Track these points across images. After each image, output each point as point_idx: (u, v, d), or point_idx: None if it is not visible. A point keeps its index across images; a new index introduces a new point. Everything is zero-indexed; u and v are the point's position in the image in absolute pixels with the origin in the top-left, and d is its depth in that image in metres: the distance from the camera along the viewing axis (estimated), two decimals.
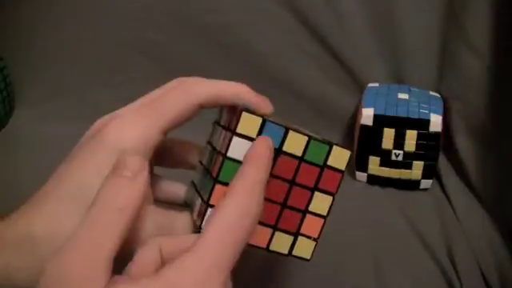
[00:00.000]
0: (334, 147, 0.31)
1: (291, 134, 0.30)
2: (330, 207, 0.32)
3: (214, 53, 0.65)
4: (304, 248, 0.32)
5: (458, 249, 0.50)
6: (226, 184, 0.29)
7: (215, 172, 0.29)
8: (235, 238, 0.26)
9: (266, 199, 0.30)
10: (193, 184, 0.35)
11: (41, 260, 0.27)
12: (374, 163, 0.58)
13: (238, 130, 0.29)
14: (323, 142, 0.31)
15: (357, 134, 0.58)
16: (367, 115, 0.56)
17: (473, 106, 0.58)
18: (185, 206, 0.35)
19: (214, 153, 0.32)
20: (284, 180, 0.31)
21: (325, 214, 0.32)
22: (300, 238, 0.32)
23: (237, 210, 0.27)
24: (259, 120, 0.29)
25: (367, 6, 0.61)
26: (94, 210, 0.26)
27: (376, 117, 0.56)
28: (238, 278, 0.28)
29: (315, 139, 0.31)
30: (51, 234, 0.29)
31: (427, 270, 0.48)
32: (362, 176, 0.59)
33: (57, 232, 0.28)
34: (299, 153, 0.31)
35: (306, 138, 0.31)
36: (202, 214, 0.30)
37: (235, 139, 0.29)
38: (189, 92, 0.31)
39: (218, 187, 0.29)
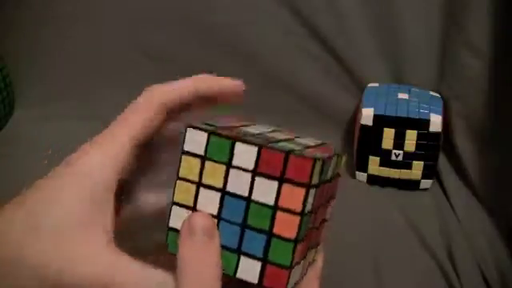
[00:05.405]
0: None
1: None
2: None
3: (215, 53, 0.64)
4: None
5: (457, 249, 0.50)
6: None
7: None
8: None
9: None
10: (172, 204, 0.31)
11: None
12: (374, 163, 0.58)
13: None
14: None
15: (357, 134, 0.58)
16: (367, 115, 0.56)
17: (473, 106, 0.58)
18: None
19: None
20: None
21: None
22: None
23: None
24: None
25: (367, 6, 0.61)
26: (183, 276, 0.26)
27: (376, 117, 0.56)
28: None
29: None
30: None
31: (427, 270, 0.48)
32: (362, 176, 0.59)
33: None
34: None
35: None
36: None
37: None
38: (151, 101, 0.31)
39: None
